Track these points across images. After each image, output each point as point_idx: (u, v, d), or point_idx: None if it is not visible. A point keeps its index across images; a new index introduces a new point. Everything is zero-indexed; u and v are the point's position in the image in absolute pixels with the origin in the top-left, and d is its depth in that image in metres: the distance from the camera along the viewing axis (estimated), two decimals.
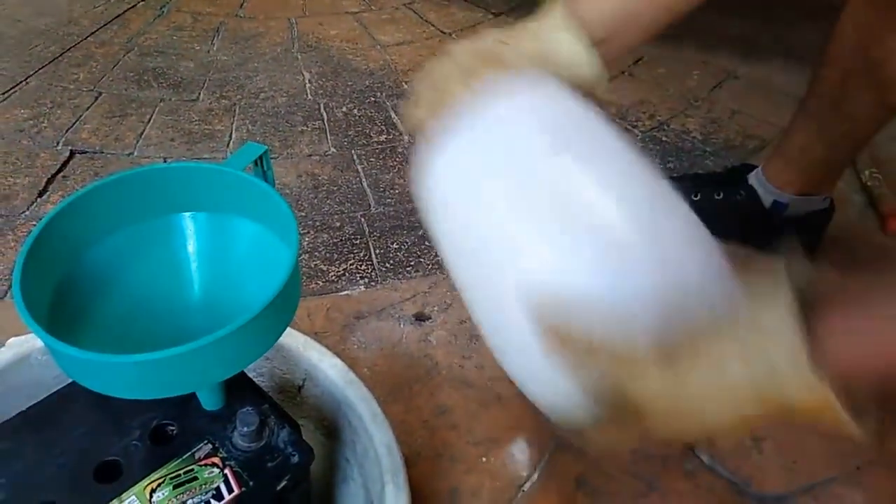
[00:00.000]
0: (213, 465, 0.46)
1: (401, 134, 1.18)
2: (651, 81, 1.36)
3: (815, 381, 0.36)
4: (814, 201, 0.92)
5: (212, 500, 0.45)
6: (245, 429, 0.47)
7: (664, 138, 1.19)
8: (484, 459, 0.71)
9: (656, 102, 1.29)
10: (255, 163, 0.47)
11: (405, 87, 1.30)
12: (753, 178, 0.95)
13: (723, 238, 1.06)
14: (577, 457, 0.71)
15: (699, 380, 0.39)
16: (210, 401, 0.49)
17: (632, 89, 1.33)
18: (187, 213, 0.46)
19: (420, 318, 0.85)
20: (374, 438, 0.55)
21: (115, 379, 0.39)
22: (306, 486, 0.51)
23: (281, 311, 0.43)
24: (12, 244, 0.91)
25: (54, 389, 0.51)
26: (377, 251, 0.94)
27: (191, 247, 0.47)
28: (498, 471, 0.70)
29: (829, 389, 0.36)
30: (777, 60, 1.41)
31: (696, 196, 0.96)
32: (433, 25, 1.51)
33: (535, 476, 0.70)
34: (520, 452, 0.72)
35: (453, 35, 1.48)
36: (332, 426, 0.61)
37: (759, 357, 0.38)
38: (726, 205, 0.95)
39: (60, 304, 0.41)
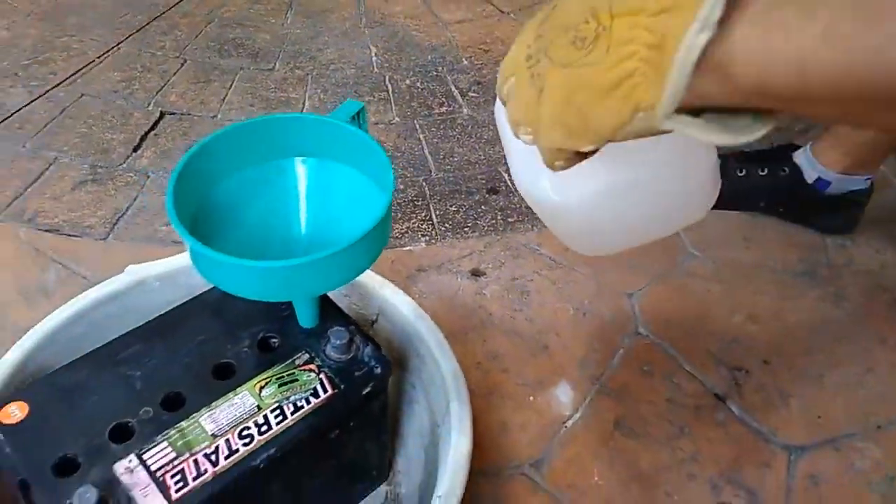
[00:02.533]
0: (311, 370, 0.55)
1: (460, 106, 1.25)
2: None
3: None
4: (856, 180, 0.96)
5: (310, 398, 0.53)
6: (337, 342, 0.55)
7: None
8: (531, 398, 0.79)
9: None
10: (353, 117, 0.55)
11: (465, 62, 1.37)
12: (800, 155, 1.00)
13: (764, 212, 1.10)
14: (617, 401, 0.78)
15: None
16: (307, 318, 0.57)
17: None
18: (299, 158, 0.54)
19: (476, 273, 0.93)
20: (441, 365, 0.63)
21: (244, 281, 0.47)
22: (384, 396, 0.60)
23: (374, 243, 0.51)
24: (111, 192, 1.02)
25: (166, 309, 0.60)
26: (437, 212, 1.02)
27: (301, 187, 0.55)
28: (544, 409, 0.78)
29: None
30: None
31: (741, 172, 1.01)
32: (493, 4, 1.57)
33: (577, 416, 0.77)
34: (563, 395, 0.79)
35: (511, 14, 1.54)
36: (401, 356, 0.70)
37: None
38: (771, 179, 1.01)
39: (194, 230, 0.49)
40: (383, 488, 0.69)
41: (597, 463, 0.73)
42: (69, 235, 0.94)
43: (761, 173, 1.01)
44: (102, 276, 0.87)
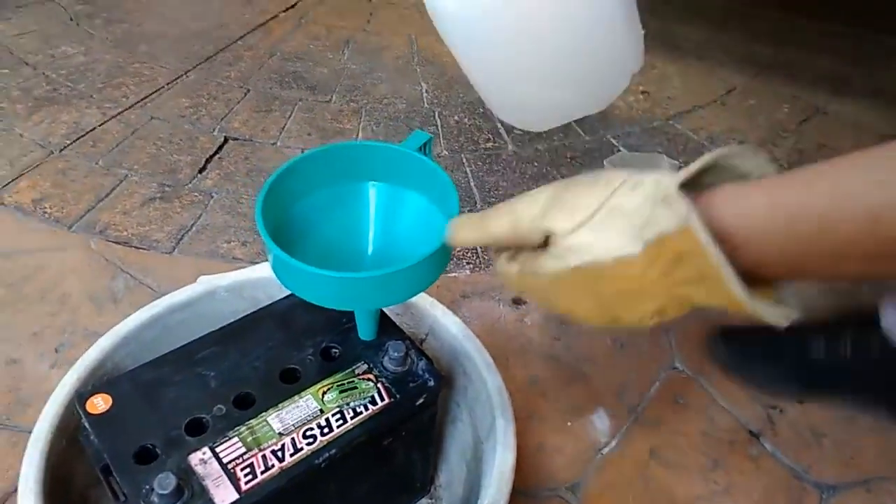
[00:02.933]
0: (369, 379, 0.59)
1: (505, 143, 1.30)
2: (742, 111, 1.44)
3: (683, 208, 0.35)
4: None
5: (368, 405, 0.57)
6: (395, 354, 0.59)
7: None
8: (569, 423, 0.82)
9: (746, 131, 1.37)
10: (420, 147, 0.60)
11: None
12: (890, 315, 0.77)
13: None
14: (652, 431, 0.81)
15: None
16: (367, 331, 0.61)
17: (723, 117, 1.41)
18: (371, 182, 0.59)
19: (517, 302, 0.97)
20: (488, 382, 0.67)
21: (319, 290, 0.51)
22: (435, 408, 0.63)
23: (437, 264, 0.55)
24: (178, 209, 1.08)
25: (231, 320, 0.65)
26: None
27: (371, 209, 0.60)
28: (580, 434, 0.81)
29: (698, 220, 0.35)
30: (866, 99, 1.46)
31: (818, 353, 0.82)
32: None
33: (613, 443, 0.80)
34: (600, 422, 0.82)
35: None
36: (448, 374, 0.74)
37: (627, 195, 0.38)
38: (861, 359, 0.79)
39: (275, 241, 0.54)
40: (425, 501, 0.73)
41: (632, 490, 0.75)
42: (137, 248, 1.01)
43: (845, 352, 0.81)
44: (168, 286, 0.94)
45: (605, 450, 0.79)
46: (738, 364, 0.85)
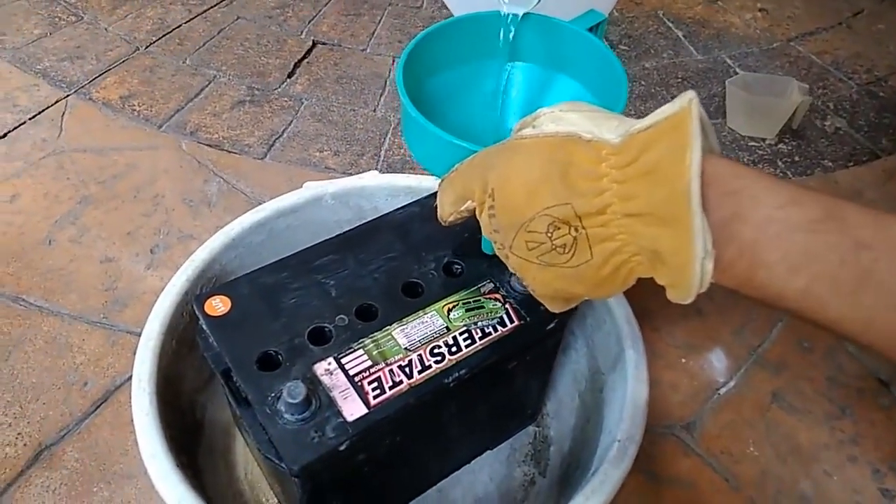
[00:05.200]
0: (496, 300, 0.55)
1: None
2: (870, 36, 1.30)
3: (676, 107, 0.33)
4: None
5: (497, 326, 0.53)
6: None
7: (881, 93, 1.15)
8: (683, 360, 0.77)
9: (874, 58, 1.24)
10: (591, 29, 0.52)
11: (615, 13, 1.32)
12: None
13: None
14: (774, 374, 0.75)
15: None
16: (492, 246, 0.57)
17: (850, 41, 1.28)
18: (520, 62, 0.52)
19: None
20: (615, 311, 0.62)
21: (449, 160, 0.47)
22: (561, 334, 0.59)
23: None
24: (268, 114, 1.04)
25: (336, 231, 0.61)
26: None
27: (514, 92, 0.53)
28: (696, 372, 0.76)
29: (695, 114, 0.32)
30: None
31: None
32: None
33: (732, 384, 0.75)
34: (717, 360, 0.77)
35: None
36: None
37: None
38: None
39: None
40: (532, 429, 0.69)
41: (752, 433, 0.70)
42: (229, 152, 0.97)
43: None
44: (261, 193, 0.90)
45: (723, 390, 0.74)
46: None
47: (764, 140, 1.03)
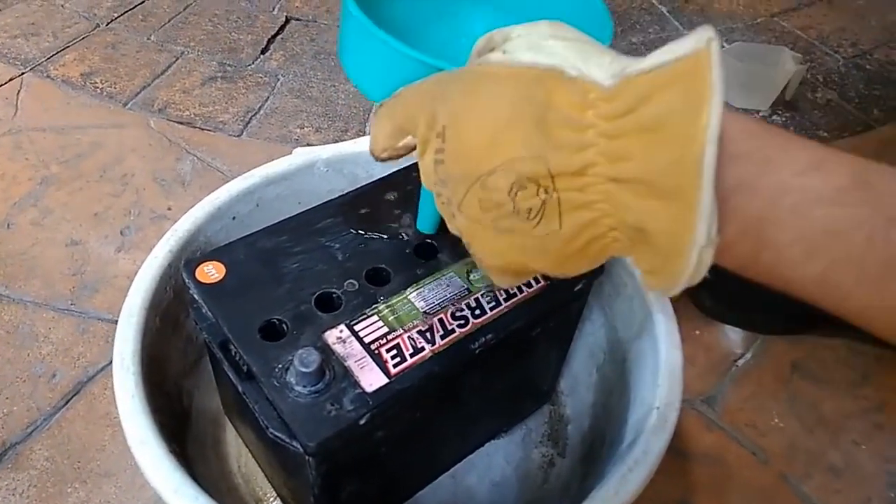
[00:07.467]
0: None
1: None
2: (851, 11, 1.30)
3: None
4: None
5: (523, 287, 0.48)
6: None
7: (868, 66, 1.14)
8: (697, 332, 0.73)
9: (858, 32, 1.24)
10: None
11: None
12: None
13: None
14: (792, 344, 0.72)
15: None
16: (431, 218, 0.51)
17: (832, 16, 1.27)
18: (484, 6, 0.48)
19: None
20: (636, 273, 0.58)
21: (394, 78, 0.39)
22: (586, 299, 0.55)
23: None
24: (242, 91, 0.98)
25: (326, 199, 0.55)
26: None
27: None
28: (712, 345, 0.72)
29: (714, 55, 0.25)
30: None
31: None
32: None
33: (749, 355, 0.71)
34: (733, 332, 0.73)
35: None
36: None
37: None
38: None
39: None
40: (547, 408, 0.65)
41: (776, 405, 0.67)
42: (202, 129, 0.90)
43: None
44: (239, 170, 0.84)
45: (740, 362, 0.71)
46: None
47: (758, 112, 1.01)
